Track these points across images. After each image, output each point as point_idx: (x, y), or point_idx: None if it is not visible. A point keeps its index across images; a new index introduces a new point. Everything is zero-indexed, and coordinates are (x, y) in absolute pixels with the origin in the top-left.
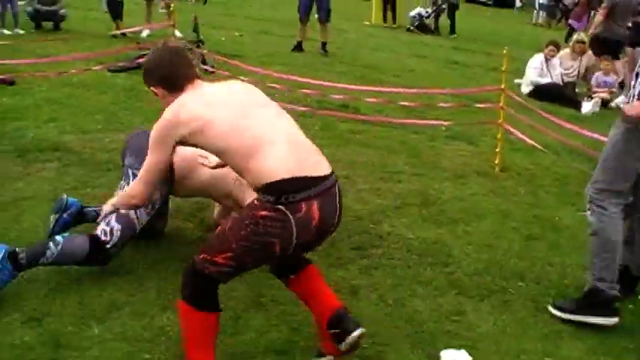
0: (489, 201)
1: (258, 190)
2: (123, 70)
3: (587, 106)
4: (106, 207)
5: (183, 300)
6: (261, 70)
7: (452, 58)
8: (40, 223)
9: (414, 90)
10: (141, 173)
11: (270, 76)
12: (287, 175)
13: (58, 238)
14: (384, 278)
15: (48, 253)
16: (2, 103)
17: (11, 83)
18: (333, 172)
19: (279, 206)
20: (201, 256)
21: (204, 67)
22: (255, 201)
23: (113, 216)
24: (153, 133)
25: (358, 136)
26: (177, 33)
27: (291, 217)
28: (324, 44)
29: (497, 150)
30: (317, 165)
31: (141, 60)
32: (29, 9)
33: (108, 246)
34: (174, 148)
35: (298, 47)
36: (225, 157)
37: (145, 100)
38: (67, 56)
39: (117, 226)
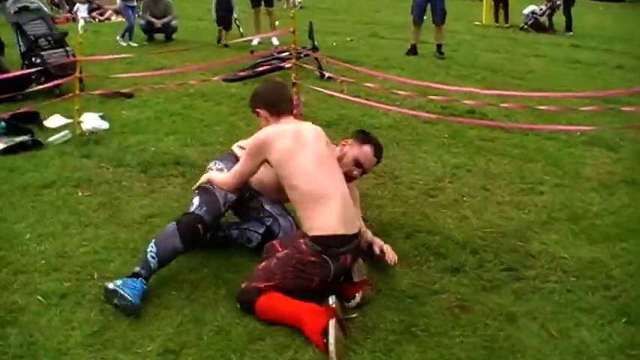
0: None
1: (307, 235)
2: (238, 80)
3: None
4: (203, 178)
5: (254, 311)
6: (381, 74)
7: (572, 56)
8: None
9: (548, 93)
10: (235, 170)
11: (391, 80)
12: (337, 232)
13: (150, 244)
14: (542, 304)
15: (152, 263)
16: (122, 116)
17: (129, 96)
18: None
19: (325, 256)
20: (247, 284)
21: (323, 72)
22: (304, 245)
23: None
24: (250, 144)
25: (490, 144)
26: (275, 41)
27: (332, 265)
28: (439, 47)
29: None
30: (354, 223)
31: (259, 69)
32: (142, 22)
33: (195, 211)
34: (261, 164)
35: (412, 50)
36: (291, 192)
37: None
38: (182, 67)
39: (200, 199)
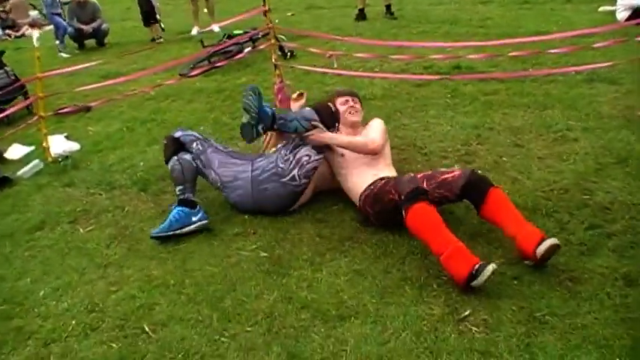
0: None
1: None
2: (200, 73)
3: None
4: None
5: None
6: (351, 39)
7: None
8: (210, 267)
9: (521, 39)
10: (381, 137)
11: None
12: None
13: None
14: None
15: None
16: (89, 133)
17: (87, 109)
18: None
19: None
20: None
21: (285, 50)
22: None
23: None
24: (381, 127)
25: (495, 97)
26: (215, 28)
27: None
28: (388, 7)
29: None
30: None
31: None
32: (70, 29)
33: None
34: None
35: (361, 15)
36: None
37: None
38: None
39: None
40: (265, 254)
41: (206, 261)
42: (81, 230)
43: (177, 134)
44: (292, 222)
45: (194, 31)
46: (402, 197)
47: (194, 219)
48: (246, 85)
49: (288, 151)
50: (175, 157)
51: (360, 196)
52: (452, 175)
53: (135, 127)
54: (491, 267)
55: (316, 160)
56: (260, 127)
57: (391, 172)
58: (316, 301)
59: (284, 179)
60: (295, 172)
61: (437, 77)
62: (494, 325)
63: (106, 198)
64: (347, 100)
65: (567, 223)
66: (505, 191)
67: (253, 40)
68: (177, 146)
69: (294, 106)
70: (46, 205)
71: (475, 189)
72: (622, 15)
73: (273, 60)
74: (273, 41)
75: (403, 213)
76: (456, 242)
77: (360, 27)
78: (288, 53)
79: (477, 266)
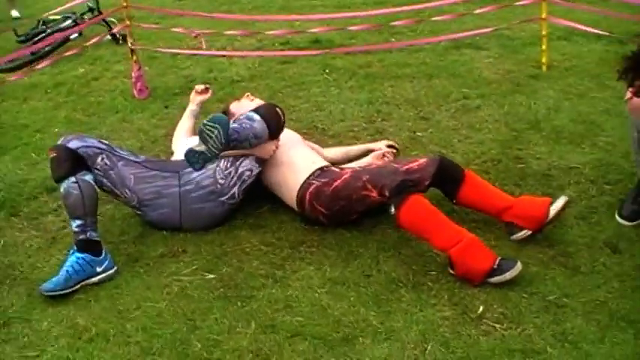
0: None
1: None
2: (24, 66)
3: None
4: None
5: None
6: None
7: None
8: (151, 303)
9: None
10: None
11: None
12: None
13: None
14: None
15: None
16: None
17: None
18: None
19: None
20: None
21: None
22: None
23: None
24: None
25: (372, 69)
26: (15, 13)
27: None
28: None
29: (542, 47)
30: None
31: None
32: None
33: None
34: None
35: None
36: None
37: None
38: None
39: None
40: (212, 276)
41: (141, 296)
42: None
43: (73, 144)
44: (224, 232)
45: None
46: (388, 193)
47: (98, 269)
48: (86, 76)
49: (229, 164)
50: (73, 179)
51: (301, 191)
52: (417, 163)
53: None
54: (519, 264)
55: (256, 174)
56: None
57: (323, 161)
58: (306, 325)
59: (223, 198)
60: (236, 189)
61: (319, 52)
62: (515, 317)
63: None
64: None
65: (519, 196)
66: (492, 170)
67: (78, 24)
68: (73, 163)
69: (238, 106)
70: None
71: (448, 175)
72: None
73: (130, 44)
74: (128, 22)
75: (392, 210)
76: (467, 234)
77: (183, 4)
78: (120, 38)
79: (499, 261)
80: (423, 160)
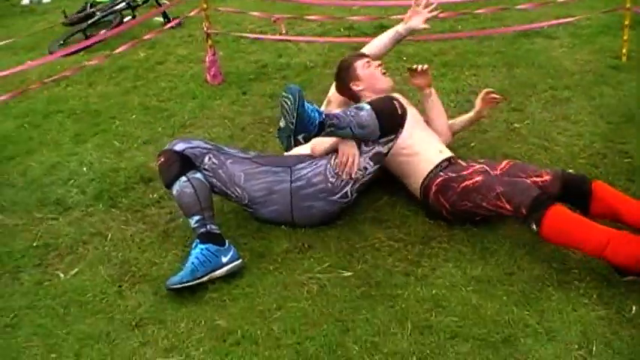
0: None
1: None
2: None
3: None
4: None
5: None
6: None
7: None
8: (292, 303)
9: None
10: None
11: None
12: None
13: None
14: None
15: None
16: None
17: None
18: None
19: None
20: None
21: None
22: None
23: None
24: None
25: (448, 58)
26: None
27: None
28: None
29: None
30: None
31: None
32: None
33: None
34: None
35: None
36: None
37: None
38: None
39: None
40: (348, 273)
41: (280, 295)
42: (61, 275)
43: (179, 147)
44: (347, 227)
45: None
46: (525, 211)
47: (224, 259)
48: (149, 60)
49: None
50: (184, 178)
51: (427, 181)
52: (541, 179)
53: (38, 122)
54: None
55: (372, 172)
56: (301, 137)
57: (448, 150)
58: (463, 326)
59: (334, 197)
60: (348, 188)
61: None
62: None
63: (66, 223)
64: (368, 61)
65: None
66: (545, 161)
67: (132, 7)
68: (181, 163)
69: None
70: None
71: (575, 189)
72: None
73: (205, 28)
74: (205, 6)
75: (534, 227)
76: (614, 231)
77: None
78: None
79: None
80: (546, 177)
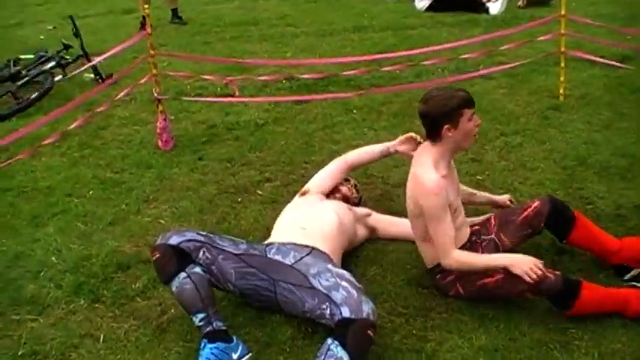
0: None
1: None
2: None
3: (494, 7)
4: None
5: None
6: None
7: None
8: None
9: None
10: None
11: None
12: None
13: None
14: None
15: None
16: None
17: None
18: None
19: None
20: None
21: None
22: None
23: None
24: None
25: (396, 107)
26: None
27: None
28: (174, 11)
29: (561, 79)
30: None
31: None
32: None
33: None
34: None
35: (176, 16)
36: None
37: (110, 140)
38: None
39: None
40: None
41: None
42: None
43: (174, 240)
44: None
45: None
46: (553, 297)
47: (234, 356)
48: (90, 124)
49: (321, 303)
50: (183, 274)
51: (442, 267)
52: (532, 208)
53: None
54: None
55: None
56: None
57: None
58: None
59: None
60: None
61: (354, 94)
62: None
63: (49, 325)
64: (473, 114)
65: None
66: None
67: (63, 66)
68: (178, 258)
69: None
70: None
71: (562, 215)
72: (421, 5)
73: (155, 94)
74: (155, 71)
75: (566, 310)
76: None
77: (181, 33)
78: (105, 76)
79: None
80: (536, 204)
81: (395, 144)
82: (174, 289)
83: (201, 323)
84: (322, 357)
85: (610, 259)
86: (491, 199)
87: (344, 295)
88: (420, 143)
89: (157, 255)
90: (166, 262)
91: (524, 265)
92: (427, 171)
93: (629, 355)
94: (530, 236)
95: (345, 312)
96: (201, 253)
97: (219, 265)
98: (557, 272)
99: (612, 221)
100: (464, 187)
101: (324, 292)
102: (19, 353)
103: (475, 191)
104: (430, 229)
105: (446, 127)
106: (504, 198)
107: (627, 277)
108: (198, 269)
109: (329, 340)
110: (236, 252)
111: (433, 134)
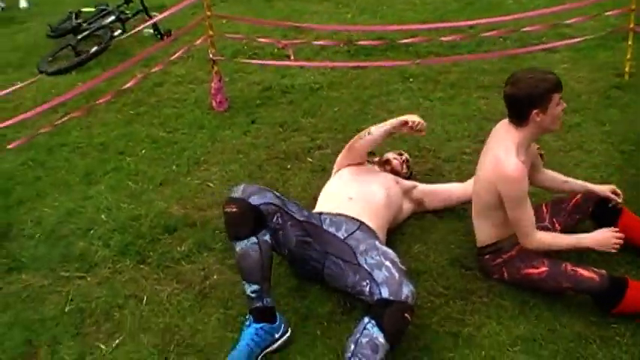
0: None
1: None
2: (73, 67)
3: None
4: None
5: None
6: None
7: None
8: None
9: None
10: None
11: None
12: None
13: None
14: None
15: None
16: None
17: None
18: None
19: None
20: None
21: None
22: None
23: None
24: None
25: (451, 77)
26: (23, 3)
27: None
28: None
29: (628, 57)
30: None
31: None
32: None
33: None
34: None
35: None
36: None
37: (166, 98)
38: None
39: None
40: None
41: None
42: (103, 347)
43: (255, 200)
44: None
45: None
46: (597, 296)
47: (277, 335)
48: (146, 81)
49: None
50: (254, 239)
51: (500, 244)
52: (575, 199)
53: (42, 158)
54: None
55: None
56: None
57: None
58: None
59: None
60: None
61: (412, 62)
62: None
63: (95, 283)
64: (561, 98)
65: None
66: None
67: (122, 21)
68: (255, 220)
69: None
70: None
71: (606, 206)
72: None
73: (211, 55)
74: (210, 32)
75: (611, 309)
76: None
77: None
78: (165, 33)
79: None
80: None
81: (388, 128)
82: (238, 249)
83: (253, 295)
84: (358, 335)
85: None
86: (587, 187)
87: (385, 275)
88: (419, 131)
89: (235, 209)
90: (243, 220)
91: (608, 245)
92: (509, 156)
93: None
94: (581, 221)
95: (385, 292)
96: (275, 217)
97: (285, 232)
98: (603, 272)
99: None
100: (555, 174)
101: (368, 269)
102: (66, 310)
103: (568, 178)
104: (511, 213)
105: (535, 111)
106: (604, 189)
107: None
108: (267, 237)
109: (365, 319)
110: (300, 218)
111: (519, 118)
